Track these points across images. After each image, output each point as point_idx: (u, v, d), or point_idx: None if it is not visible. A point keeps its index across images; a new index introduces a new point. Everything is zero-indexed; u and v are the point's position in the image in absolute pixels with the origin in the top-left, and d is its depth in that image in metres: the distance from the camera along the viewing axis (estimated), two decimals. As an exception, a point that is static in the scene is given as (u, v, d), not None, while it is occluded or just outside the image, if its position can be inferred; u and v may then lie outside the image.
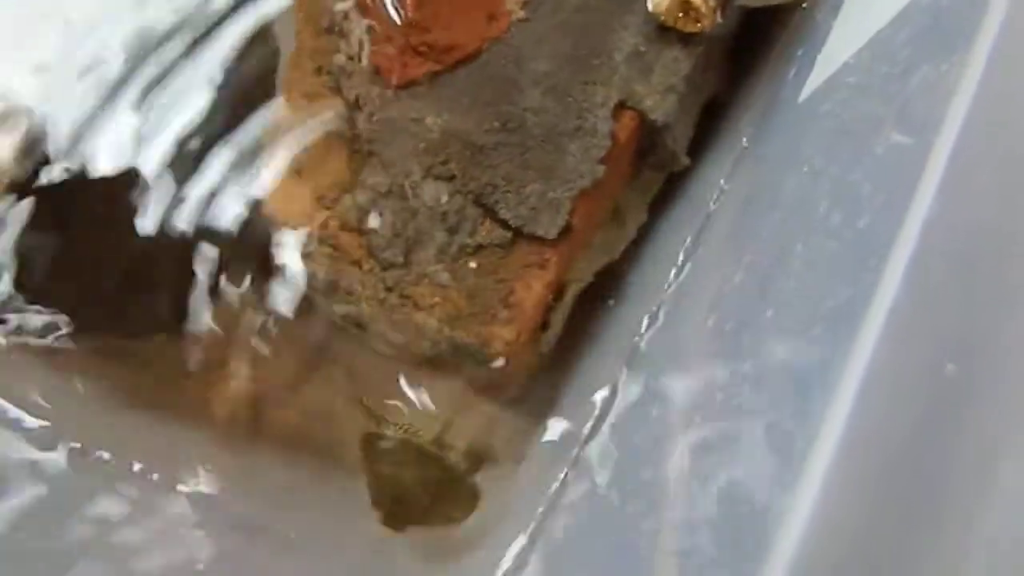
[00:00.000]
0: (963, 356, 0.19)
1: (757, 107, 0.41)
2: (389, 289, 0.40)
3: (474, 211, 0.40)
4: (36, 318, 0.42)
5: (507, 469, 0.41)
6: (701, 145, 0.43)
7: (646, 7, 0.41)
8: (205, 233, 0.41)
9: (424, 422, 0.42)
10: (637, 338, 0.39)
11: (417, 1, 0.41)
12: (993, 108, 0.23)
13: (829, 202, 0.27)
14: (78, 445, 0.40)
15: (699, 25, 0.40)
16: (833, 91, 0.32)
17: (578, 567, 0.31)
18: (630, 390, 0.37)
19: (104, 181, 0.43)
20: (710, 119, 0.43)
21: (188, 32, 0.45)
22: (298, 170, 0.40)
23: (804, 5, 0.42)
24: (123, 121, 0.43)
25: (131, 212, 0.42)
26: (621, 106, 0.41)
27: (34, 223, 0.43)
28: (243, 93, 0.44)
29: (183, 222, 0.42)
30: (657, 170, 0.45)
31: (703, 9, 0.40)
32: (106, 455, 0.40)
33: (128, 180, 0.43)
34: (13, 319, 0.43)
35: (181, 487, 0.40)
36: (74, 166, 0.43)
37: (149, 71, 0.44)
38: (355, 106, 0.40)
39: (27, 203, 0.42)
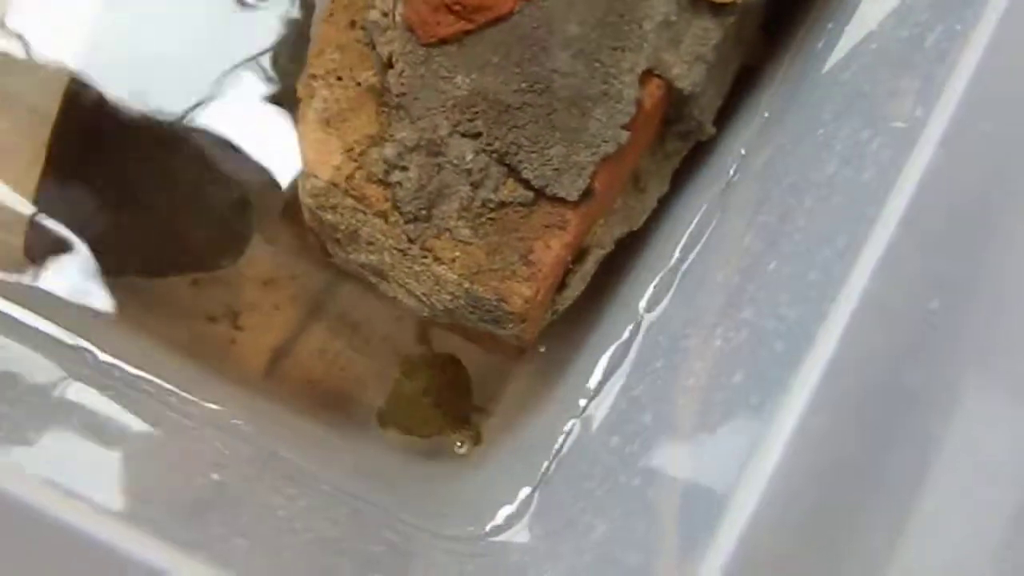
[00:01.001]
0: (949, 294, 0.20)
1: (783, 78, 0.41)
2: (411, 241, 0.41)
3: (497, 169, 0.41)
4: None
5: (511, 418, 0.42)
6: (725, 115, 0.43)
7: (679, -26, 0.41)
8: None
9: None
10: (648, 300, 0.40)
11: (452, -38, 0.42)
12: (1004, 63, 0.23)
13: (839, 161, 0.27)
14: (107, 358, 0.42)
15: (730, -6, 0.40)
16: (855, 58, 0.32)
17: (578, 508, 0.32)
18: (639, 350, 0.37)
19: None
20: (737, 88, 0.43)
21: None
22: (328, 120, 0.41)
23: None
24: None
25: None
26: (649, 73, 0.42)
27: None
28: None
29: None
30: (682, 139, 0.45)
31: (734, -22, 0.40)
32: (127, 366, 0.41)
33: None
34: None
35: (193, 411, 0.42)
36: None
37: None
38: (387, 62, 0.41)
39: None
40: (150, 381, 0.42)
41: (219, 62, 0.47)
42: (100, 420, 0.36)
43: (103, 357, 0.42)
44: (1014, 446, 0.20)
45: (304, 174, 0.41)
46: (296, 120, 0.41)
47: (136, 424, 0.38)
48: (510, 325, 0.42)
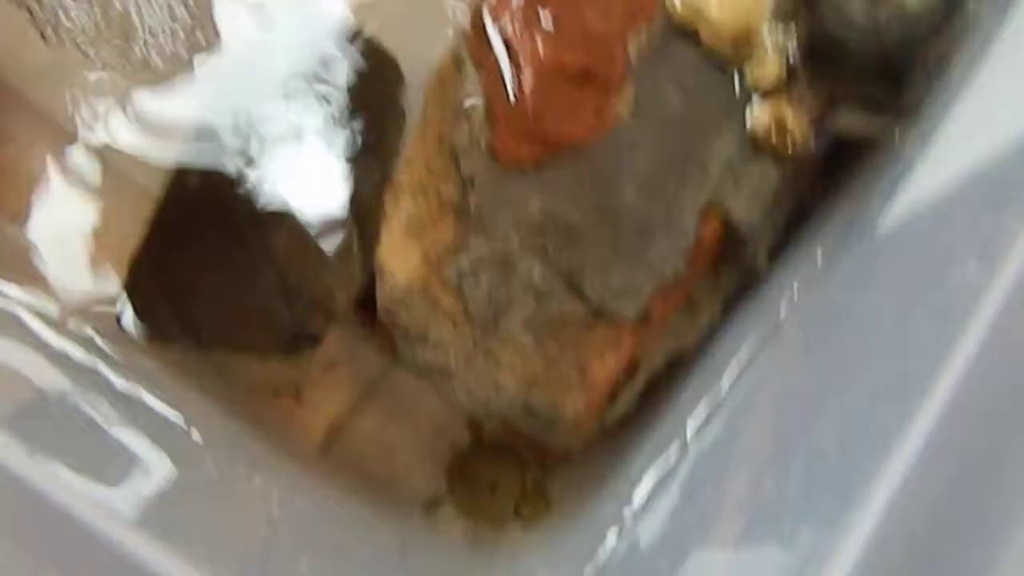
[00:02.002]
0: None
1: (837, 227, 0.43)
2: (476, 345, 0.43)
3: (562, 287, 0.44)
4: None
5: (555, 521, 0.44)
6: (778, 250, 0.46)
7: (744, 123, 0.45)
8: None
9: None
10: (694, 424, 0.42)
11: (536, 92, 0.46)
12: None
13: (894, 323, 0.30)
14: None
15: (792, 148, 0.43)
16: (912, 223, 0.35)
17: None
18: (679, 471, 0.39)
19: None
20: (792, 227, 0.46)
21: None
22: (410, 228, 0.44)
23: (896, 140, 0.45)
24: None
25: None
26: (709, 209, 0.45)
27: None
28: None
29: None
30: (736, 270, 0.48)
31: (797, 135, 0.43)
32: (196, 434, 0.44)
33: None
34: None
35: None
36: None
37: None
38: (469, 180, 0.44)
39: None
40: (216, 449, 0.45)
41: (319, 154, 0.50)
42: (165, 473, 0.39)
43: (182, 424, 0.44)
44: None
45: (383, 274, 0.44)
46: (381, 223, 0.45)
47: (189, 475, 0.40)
48: (561, 433, 0.45)
